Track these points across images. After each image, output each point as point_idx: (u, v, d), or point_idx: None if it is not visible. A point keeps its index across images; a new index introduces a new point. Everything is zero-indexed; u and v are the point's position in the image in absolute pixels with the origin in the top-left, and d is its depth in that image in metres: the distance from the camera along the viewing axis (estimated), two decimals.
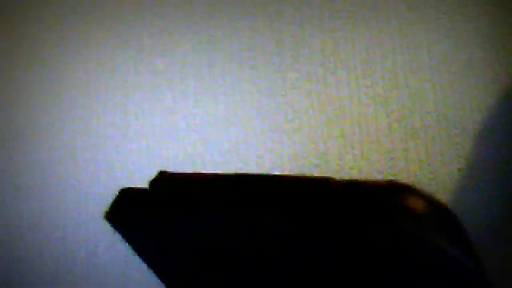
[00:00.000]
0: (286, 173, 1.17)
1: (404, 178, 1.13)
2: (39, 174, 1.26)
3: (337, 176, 1.15)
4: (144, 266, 1.19)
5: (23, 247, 1.24)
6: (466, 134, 1.12)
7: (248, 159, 1.19)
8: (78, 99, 1.28)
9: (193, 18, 1.25)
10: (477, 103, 1.13)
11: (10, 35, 1.33)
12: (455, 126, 1.13)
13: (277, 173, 1.17)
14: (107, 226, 1.21)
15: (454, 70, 1.14)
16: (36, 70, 1.30)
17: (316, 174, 1.16)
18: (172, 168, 1.21)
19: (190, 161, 1.21)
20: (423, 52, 1.15)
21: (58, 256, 1.22)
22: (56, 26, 1.31)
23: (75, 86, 1.28)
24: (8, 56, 1.32)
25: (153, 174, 1.22)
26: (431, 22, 1.16)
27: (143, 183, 1.23)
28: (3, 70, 1.32)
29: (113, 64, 1.27)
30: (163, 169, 1.21)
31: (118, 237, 1.20)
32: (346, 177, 1.15)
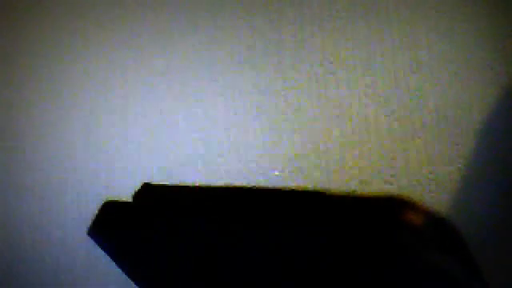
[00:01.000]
0: (285, 173, 1.17)
1: (404, 177, 1.13)
2: (39, 174, 1.26)
3: (337, 176, 1.15)
4: None
5: (23, 247, 1.24)
6: (466, 134, 1.12)
7: (248, 159, 1.19)
8: (78, 99, 1.28)
9: (193, 18, 1.25)
10: (477, 103, 1.13)
11: (10, 35, 1.33)
12: (455, 126, 1.13)
13: (277, 173, 1.17)
14: None
15: (454, 70, 1.14)
16: (36, 70, 1.30)
17: (316, 173, 1.16)
18: (172, 168, 1.22)
19: (190, 161, 1.21)
20: (423, 52, 1.15)
21: (58, 256, 1.22)
22: (56, 25, 1.31)
23: (75, 85, 1.28)
24: (8, 56, 1.32)
25: (155, 172, 1.22)
26: (431, 22, 1.16)
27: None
28: (3, 69, 1.32)
29: (113, 64, 1.27)
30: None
31: None
32: (346, 177, 1.15)
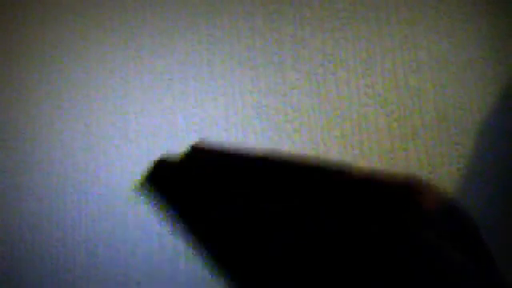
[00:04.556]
0: None
1: None
2: (39, 174, 1.26)
3: None
4: (144, 266, 1.19)
5: (23, 247, 1.24)
6: (465, 134, 1.12)
7: None
8: (78, 99, 1.28)
9: (193, 18, 1.25)
10: (477, 103, 1.13)
11: (10, 35, 1.33)
12: (455, 126, 1.13)
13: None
14: (107, 226, 1.21)
15: (454, 70, 1.14)
16: (36, 70, 1.30)
17: None
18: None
19: None
20: (423, 52, 1.15)
21: (58, 256, 1.22)
22: (56, 25, 1.31)
23: (75, 85, 1.28)
24: (8, 56, 1.32)
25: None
26: (431, 22, 1.16)
27: None
28: (3, 69, 1.32)
29: (113, 64, 1.27)
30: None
31: (117, 237, 1.20)
32: None
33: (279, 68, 1.20)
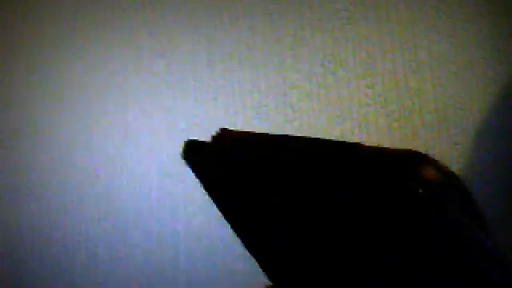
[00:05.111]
0: None
1: None
2: (39, 174, 1.26)
3: None
4: (144, 266, 1.19)
5: (23, 247, 1.24)
6: (466, 134, 1.12)
7: None
8: (78, 99, 1.28)
9: (193, 18, 1.25)
10: (477, 103, 1.13)
11: (10, 35, 1.33)
12: (455, 126, 1.12)
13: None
14: (107, 226, 1.21)
15: (454, 70, 1.14)
16: (36, 70, 1.30)
17: None
18: (172, 168, 1.22)
19: None
20: (423, 52, 1.15)
21: (58, 256, 1.22)
22: (56, 25, 1.31)
23: (75, 86, 1.28)
24: (8, 56, 1.32)
25: (155, 172, 1.22)
26: (431, 22, 1.16)
27: (144, 182, 1.23)
28: (3, 69, 1.32)
29: (113, 64, 1.27)
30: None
31: (117, 237, 1.20)
32: None
33: (279, 68, 1.20)
